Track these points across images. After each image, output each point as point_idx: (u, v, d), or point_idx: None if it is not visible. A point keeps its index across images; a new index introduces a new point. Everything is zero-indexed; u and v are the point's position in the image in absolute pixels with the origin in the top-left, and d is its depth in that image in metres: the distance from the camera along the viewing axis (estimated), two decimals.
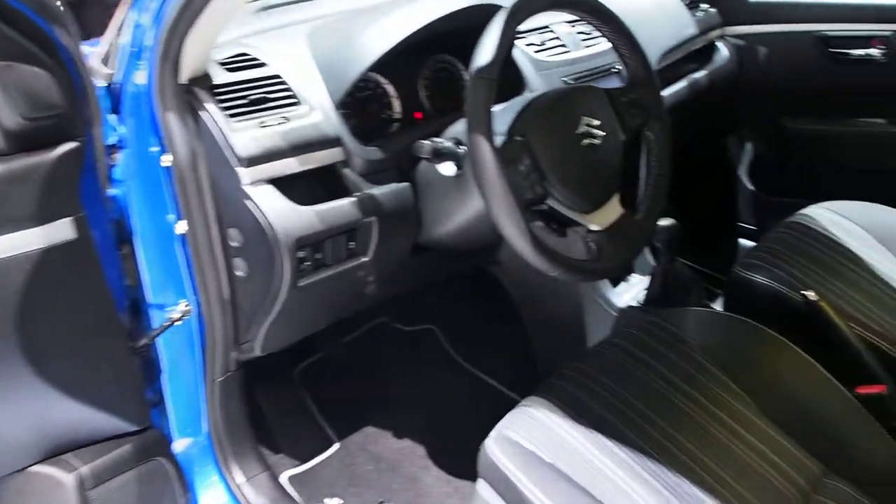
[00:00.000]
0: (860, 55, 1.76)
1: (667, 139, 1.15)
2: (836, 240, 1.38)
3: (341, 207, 1.08)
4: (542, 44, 1.40)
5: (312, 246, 1.06)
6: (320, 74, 1.12)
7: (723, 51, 1.91)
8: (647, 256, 1.56)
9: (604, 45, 1.50)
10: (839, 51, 1.78)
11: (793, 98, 1.92)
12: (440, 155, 1.01)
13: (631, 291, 1.50)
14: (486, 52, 0.91)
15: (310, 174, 1.08)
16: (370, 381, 1.66)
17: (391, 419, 1.56)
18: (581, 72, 1.42)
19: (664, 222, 1.32)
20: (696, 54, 1.88)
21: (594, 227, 1.03)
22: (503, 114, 1.00)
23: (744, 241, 2.12)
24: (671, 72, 1.73)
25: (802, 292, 1.18)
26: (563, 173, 0.98)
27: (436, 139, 1.02)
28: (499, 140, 0.95)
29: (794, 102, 1.92)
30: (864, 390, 1.08)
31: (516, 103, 1.03)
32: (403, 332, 1.77)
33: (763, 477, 0.89)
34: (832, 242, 1.37)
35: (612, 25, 1.09)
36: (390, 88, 1.25)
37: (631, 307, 1.43)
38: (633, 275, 1.61)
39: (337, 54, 1.15)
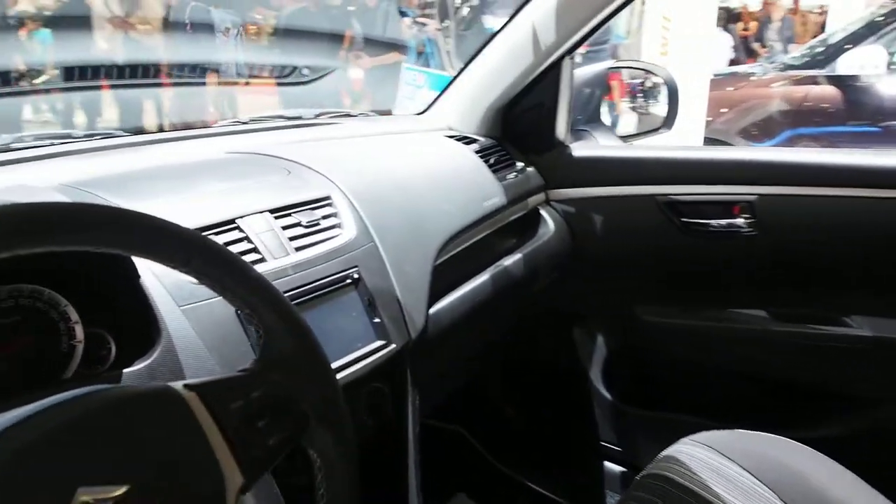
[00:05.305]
0: (720, 226, 1.31)
1: (350, 454, 0.60)
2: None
3: None
4: None
5: None
6: None
7: (549, 221, 1.44)
8: None
9: (343, 236, 0.97)
10: (693, 220, 1.34)
11: (644, 281, 1.45)
12: None
13: None
14: None
15: None
16: None
17: None
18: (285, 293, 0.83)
19: None
20: (513, 228, 1.40)
21: None
22: None
23: (609, 466, 1.58)
24: (469, 261, 1.22)
25: None
26: None
27: None
28: None
29: (647, 287, 1.45)
30: None
31: None
32: None
33: None
34: None
35: (201, 259, 0.55)
36: None
37: None
38: None
39: None
